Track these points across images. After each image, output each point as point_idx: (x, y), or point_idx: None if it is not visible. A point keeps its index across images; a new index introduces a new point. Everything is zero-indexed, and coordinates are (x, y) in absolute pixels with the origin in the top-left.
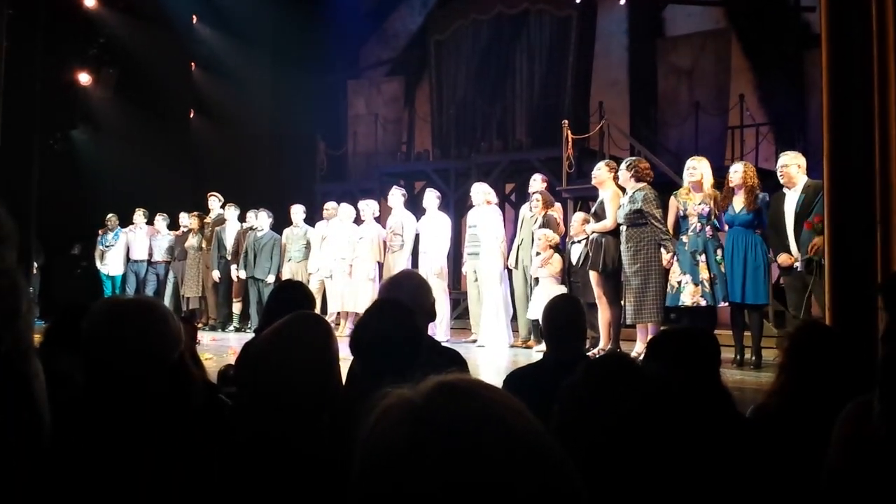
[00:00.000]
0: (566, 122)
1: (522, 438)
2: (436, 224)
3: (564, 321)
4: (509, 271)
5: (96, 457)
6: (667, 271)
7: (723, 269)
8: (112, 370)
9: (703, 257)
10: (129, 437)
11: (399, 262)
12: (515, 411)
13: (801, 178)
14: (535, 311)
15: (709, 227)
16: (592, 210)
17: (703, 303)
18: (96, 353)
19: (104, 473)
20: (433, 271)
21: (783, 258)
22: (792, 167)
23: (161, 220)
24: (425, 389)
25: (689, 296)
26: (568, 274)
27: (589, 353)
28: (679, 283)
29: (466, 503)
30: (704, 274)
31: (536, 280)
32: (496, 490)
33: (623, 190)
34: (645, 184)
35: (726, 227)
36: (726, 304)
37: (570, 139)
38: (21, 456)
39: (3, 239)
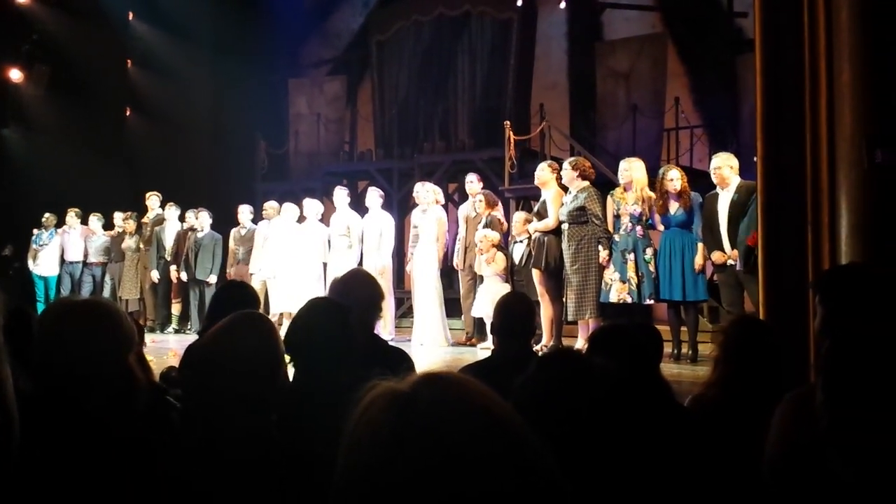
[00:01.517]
0: (508, 123)
1: (506, 427)
2: (379, 223)
3: (516, 318)
4: (455, 271)
5: (48, 461)
6: (604, 268)
7: (651, 269)
8: (65, 372)
9: (632, 256)
10: (79, 440)
11: (345, 262)
12: (497, 402)
13: (734, 179)
14: (479, 308)
15: (639, 226)
16: (535, 209)
17: (628, 300)
18: (50, 356)
19: (56, 477)
20: (377, 270)
21: (717, 256)
22: (724, 168)
23: (96, 221)
24: (411, 380)
25: (616, 293)
26: (511, 273)
27: (533, 350)
28: (611, 280)
29: (449, 488)
30: (632, 272)
31: (481, 278)
32: (479, 474)
33: (566, 190)
34: (588, 183)
35: (661, 228)
36: (652, 301)
37: (511, 140)
38: None
39: None
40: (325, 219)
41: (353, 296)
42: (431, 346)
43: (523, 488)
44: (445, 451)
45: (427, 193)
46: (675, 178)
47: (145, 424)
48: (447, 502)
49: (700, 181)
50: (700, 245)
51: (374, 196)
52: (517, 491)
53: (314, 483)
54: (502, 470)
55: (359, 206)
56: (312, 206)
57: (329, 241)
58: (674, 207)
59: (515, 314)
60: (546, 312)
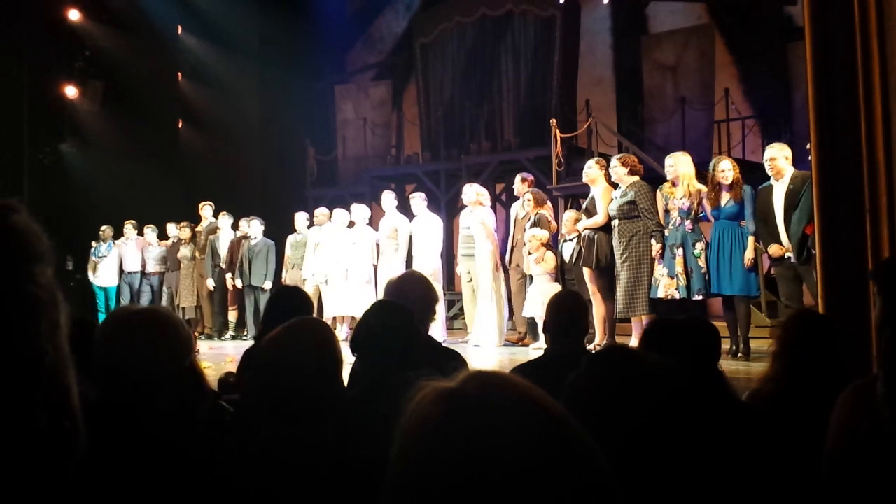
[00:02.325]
0: (554, 120)
1: (555, 422)
2: (427, 226)
3: (569, 316)
4: (505, 270)
5: (114, 469)
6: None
7: (700, 263)
8: (126, 380)
9: (680, 251)
10: (141, 447)
11: (394, 265)
12: (546, 398)
13: (789, 170)
14: (530, 309)
15: (688, 221)
16: (584, 206)
17: (676, 296)
18: (110, 364)
19: (122, 485)
20: (427, 273)
21: (774, 249)
22: (780, 159)
23: (150, 232)
24: (460, 377)
25: (664, 288)
26: (562, 272)
27: (587, 349)
28: (660, 276)
29: (497, 482)
30: (679, 268)
31: (531, 278)
32: (527, 468)
33: (614, 186)
34: (638, 177)
35: (712, 219)
36: (701, 297)
37: (558, 138)
38: (61, 465)
39: (41, 255)
40: (373, 223)
41: (408, 297)
42: (487, 346)
43: (572, 485)
44: (493, 443)
45: (469, 195)
46: (726, 170)
47: (203, 429)
48: (495, 496)
49: (753, 173)
50: (751, 239)
51: (417, 200)
52: (566, 487)
53: (374, 484)
54: (551, 465)
55: (407, 209)
56: (360, 210)
57: (378, 245)
58: (724, 199)
59: (568, 312)
60: (598, 311)
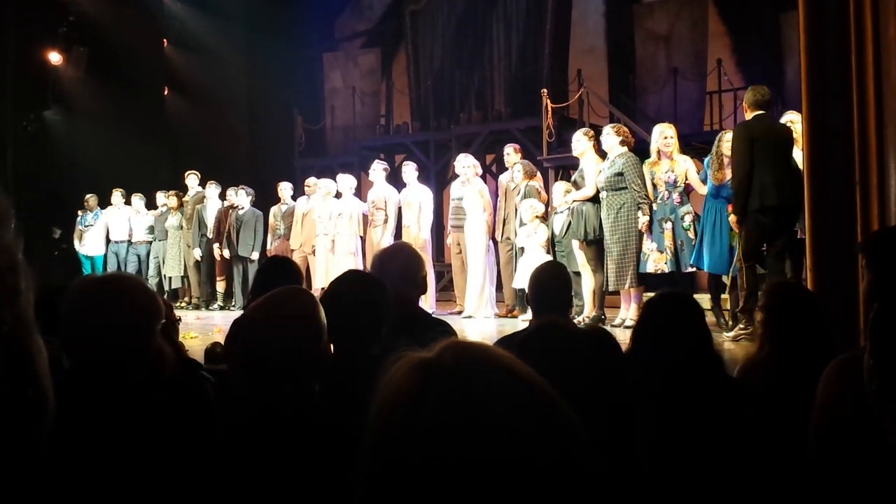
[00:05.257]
0: (545, 90)
1: (530, 387)
2: (417, 197)
3: (551, 288)
4: (495, 242)
5: (84, 438)
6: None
7: (690, 235)
8: (89, 346)
9: (668, 224)
10: (112, 416)
11: (381, 236)
12: (521, 366)
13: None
14: (521, 280)
15: (675, 193)
16: (573, 179)
17: (665, 269)
18: (73, 331)
19: (92, 454)
20: (416, 244)
21: None
22: (799, 124)
23: (138, 200)
24: (436, 347)
25: (653, 263)
26: (552, 244)
27: (575, 321)
28: (649, 250)
29: (472, 445)
30: (668, 241)
31: (521, 250)
32: (502, 431)
33: (603, 156)
34: (626, 149)
35: (702, 191)
36: (693, 269)
37: (549, 108)
38: (28, 435)
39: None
40: (362, 193)
41: (392, 269)
42: (478, 318)
43: (551, 454)
44: (468, 414)
45: (465, 167)
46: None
47: (177, 398)
48: (469, 467)
49: None
50: None
51: (409, 170)
52: (544, 456)
53: (349, 451)
54: (528, 434)
55: (396, 179)
56: (346, 180)
57: (366, 216)
58: (726, 175)
59: (548, 286)
60: (587, 283)
